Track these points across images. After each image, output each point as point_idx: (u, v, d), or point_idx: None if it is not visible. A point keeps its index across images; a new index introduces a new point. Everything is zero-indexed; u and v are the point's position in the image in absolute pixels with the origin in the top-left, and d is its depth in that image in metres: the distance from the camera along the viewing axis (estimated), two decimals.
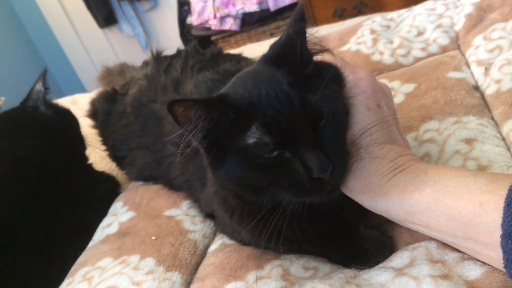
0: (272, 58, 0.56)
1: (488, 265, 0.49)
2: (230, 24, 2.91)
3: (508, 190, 0.44)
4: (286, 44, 0.55)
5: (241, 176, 0.53)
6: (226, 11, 2.86)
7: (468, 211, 0.47)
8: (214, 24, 2.94)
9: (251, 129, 0.50)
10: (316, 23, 2.67)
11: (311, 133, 0.50)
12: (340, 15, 2.62)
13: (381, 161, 0.55)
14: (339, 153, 0.52)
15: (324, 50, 0.59)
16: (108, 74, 1.39)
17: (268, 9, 2.78)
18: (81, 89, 3.91)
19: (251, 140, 0.50)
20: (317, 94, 0.51)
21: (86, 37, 3.85)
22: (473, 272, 0.49)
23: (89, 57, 3.95)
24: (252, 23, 2.88)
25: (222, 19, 2.91)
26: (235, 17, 2.88)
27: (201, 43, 1.07)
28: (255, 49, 1.41)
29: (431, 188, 0.50)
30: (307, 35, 0.55)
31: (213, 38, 3.03)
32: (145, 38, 3.65)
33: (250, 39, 2.94)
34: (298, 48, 0.54)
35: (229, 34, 2.97)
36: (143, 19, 3.66)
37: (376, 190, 0.54)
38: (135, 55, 3.57)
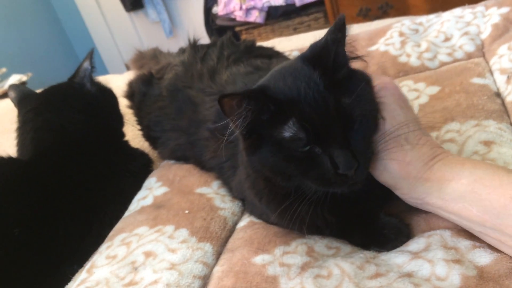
0: (310, 58, 0.60)
1: (497, 252, 0.55)
2: (255, 17, 2.95)
3: None
4: (323, 48, 0.59)
5: (274, 164, 0.59)
6: (252, 3, 2.90)
7: (499, 204, 0.51)
8: (239, 16, 2.98)
9: (288, 124, 0.56)
10: None
11: (342, 133, 0.56)
12: (365, 14, 2.65)
13: (422, 148, 0.60)
14: (365, 153, 0.58)
15: (357, 57, 0.63)
16: (140, 57, 1.44)
17: (293, 4, 2.81)
18: (103, 71, 3.99)
19: (287, 134, 0.56)
20: (350, 98, 0.56)
21: (112, 20, 3.91)
22: (483, 258, 0.55)
23: (113, 40, 4.01)
24: (276, 16, 2.92)
25: (248, 11, 2.95)
26: (260, 10, 2.92)
27: (223, 34, 1.12)
28: (285, 43, 1.46)
29: (467, 179, 0.55)
30: (344, 42, 0.59)
31: (237, 29, 3.07)
32: (169, 24, 3.70)
33: (273, 32, 2.98)
34: (332, 54, 0.58)
35: (253, 26, 3.02)
36: (169, 5, 3.70)
37: (418, 176, 0.59)
38: (159, 41, 3.63)
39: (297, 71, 0.59)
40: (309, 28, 2.86)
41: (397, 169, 0.60)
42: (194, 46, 1.12)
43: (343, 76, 0.59)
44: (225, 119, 0.58)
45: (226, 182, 0.89)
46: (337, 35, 0.57)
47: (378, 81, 0.65)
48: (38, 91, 1.10)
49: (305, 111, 0.55)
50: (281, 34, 2.92)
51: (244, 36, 3.07)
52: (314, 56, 0.60)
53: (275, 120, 0.57)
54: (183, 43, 1.16)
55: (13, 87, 1.09)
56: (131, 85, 1.17)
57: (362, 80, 0.60)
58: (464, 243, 0.58)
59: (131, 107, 1.17)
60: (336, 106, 0.56)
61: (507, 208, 0.50)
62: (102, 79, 1.76)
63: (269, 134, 0.58)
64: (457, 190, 0.55)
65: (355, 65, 0.63)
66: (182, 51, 1.18)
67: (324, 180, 0.57)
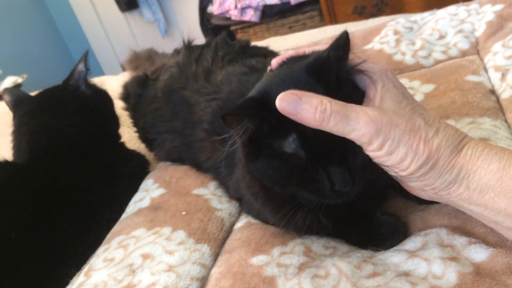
0: (312, 69, 0.57)
1: (493, 248, 0.55)
2: (250, 15, 2.96)
3: None
4: (325, 64, 0.56)
5: (272, 174, 0.59)
6: (247, 2, 2.90)
7: None
8: (234, 15, 2.98)
9: (288, 140, 0.55)
10: (335, 18, 2.70)
11: (341, 151, 0.55)
12: (360, 12, 2.65)
13: (447, 130, 0.53)
14: (361, 171, 0.57)
15: (361, 71, 0.59)
16: (136, 58, 1.44)
17: (288, 2, 2.82)
18: (99, 71, 3.98)
19: (286, 149, 0.56)
20: None
21: (107, 20, 3.90)
22: (479, 255, 0.55)
23: (109, 40, 4.01)
24: (272, 15, 2.92)
25: (243, 10, 2.96)
26: (255, 9, 2.92)
27: (218, 34, 1.12)
28: (280, 43, 1.46)
29: (495, 165, 0.49)
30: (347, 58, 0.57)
31: (232, 28, 3.07)
32: (164, 24, 3.70)
33: (269, 31, 2.99)
34: (335, 71, 0.55)
35: (248, 25, 3.02)
36: (164, 5, 3.71)
37: (446, 164, 0.51)
38: (154, 41, 3.63)
39: (300, 82, 0.57)
40: (304, 27, 2.86)
41: (426, 160, 0.51)
42: (188, 47, 1.12)
43: (346, 92, 0.57)
44: (228, 130, 0.58)
45: (223, 182, 0.89)
46: (339, 53, 0.55)
47: (376, 67, 0.60)
48: (33, 93, 1.10)
49: (307, 129, 0.54)
50: (276, 33, 2.92)
51: (239, 35, 3.07)
52: (316, 68, 0.57)
53: (276, 133, 0.56)
54: (178, 42, 1.16)
55: (7, 90, 1.09)
56: (126, 87, 1.17)
57: (363, 96, 0.58)
58: (459, 240, 0.59)
59: (126, 109, 1.17)
60: None
61: None
62: (97, 80, 1.76)
63: (268, 145, 0.57)
64: (484, 178, 0.49)
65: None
66: (176, 52, 1.18)
67: (320, 194, 0.58)
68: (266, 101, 0.56)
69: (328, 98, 0.52)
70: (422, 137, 0.52)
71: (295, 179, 0.58)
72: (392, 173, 0.57)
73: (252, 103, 0.57)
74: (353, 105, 0.52)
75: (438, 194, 0.55)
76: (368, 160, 0.56)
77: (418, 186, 0.56)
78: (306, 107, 0.51)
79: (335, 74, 0.56)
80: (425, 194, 0.58)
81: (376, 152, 0.53)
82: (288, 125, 0.55)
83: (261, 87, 0.60)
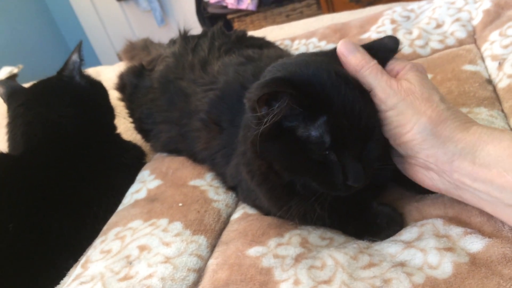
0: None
1: (489, 238, 0.55)
2: (247, 4, 2.92)
3: None
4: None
5: (287, 159, 0.59)
6: None
7: None
8: (231, 3, 2.95)
9: (317, 123, 0.54)
10: (333, 7, 2.68)
11: (360, 146, 0.56)
12: (357, 0, 2.63)
13: (460, 112, 0.57)
14: (372, 168, 0.58)
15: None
16: (131, 48, 1.44)
17: None
18: (96, 61, 3.95)
19: (312, 133, 0.55)
20: (375, 114, 0.57)
21: (103, 10, 3.86)
22: (475, 245, 0.55)
23: (105, 30, 3.97)
24: (269, 3, 2.89)
25: None
26: None
27: (215, 22, 1.11)
28: (276, 32, 1.45)
29: (508, 142, 0.50)
30: None
31: (229, 17, 3.04)
32: (161, 13, 3.66)
33: (266, 20, 2.96)
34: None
35: (245, 13, 2.99)
36: None
37: (452, 136, 0.54)
38: (151, 30, 3.60)
39: (337, 68, 0.58)
40: (301, 15, 2.84)
41: (428, 125, 0.55)
42: (184, 37, 1.11)
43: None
44: (251, 113, 0.57)
45: (220, 172, 0.88)
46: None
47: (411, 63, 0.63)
48: (27, 85, 1.09)
49: (339, 114, 0.54)
50: (273, 21, 2.89)
51: (236, 24, 3.04)
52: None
53: (305, 113, 0.55)
54: (175, 31, 1.15)
55: (1, 82, 1.08)
56: (122, 77, 1.16)
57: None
58: (455, 230, 0.59)
59: (122, 99, 1.16)
60: (367, 119, 0.56)
61: None
62: (93, 70, 1.76)
63: (290, 128, 0.56)
64: (493, 154, 0.50)
65: None
66: (172, 42, 1.17)
67: (330, 186, 0.58)
68: (296, 81, 0.55)
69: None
70: (433, 106, 0.56)
71: (311, 167, 0.57)
72: (396, 145, 0.60)
73: (286, 82, 0.54)
74: (386, 72, 0.60)
75: (441, 168, 0.56)
76: (380, 154, 0.58)
77: (421, 162, 0.58)
78: (358, 55, 0.60)
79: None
80: (428, 177, 0.59)
81: (387, 111, 0.58)
82: (321, 107, 0.54)
83: (285, 69, 0.60)
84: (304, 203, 0.63)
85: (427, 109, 0.55)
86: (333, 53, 0.63)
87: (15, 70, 2.63)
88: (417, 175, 0.62)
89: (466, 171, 0.53)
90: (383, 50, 0.61)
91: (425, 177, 0.60)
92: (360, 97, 0.56)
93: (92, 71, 1.71)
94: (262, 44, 1.11)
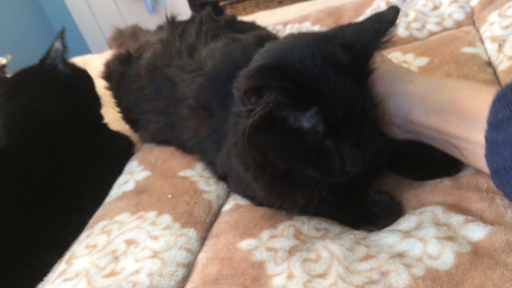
0: (346, 43, 0.55)
1: (491, 226, 0.53)
2: None
3: (504, 86, 0.49)
4: (363, 36, 0.55)
5: (280, 149, 0.56)
6: None
7: (475, 110, 0.52)
8: None
9: (308, 113, 0.52)
10: None
11: (356, 131, 0.53)
12: None
13: (401, 68, 0.64)
14: (369, 153, 0.56)
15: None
16: (120, 35, 1.39)
17: None
18: (86, 50, 3.89)
19: (304, 123, 0.52)
20: (372, 99, 0.56)
21: None
22: (477, 233, 0.53)
23: (95, 18, 3.90)
24: None
25: None
26: None
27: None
28: (268, 17, 1.41)
29: (449, 91, 0.56)
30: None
31: (221, 3, 2.99)
32: (151, 1, 3.60)
33: (258, 6, 2.91)
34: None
35: (237, 0, 2.94)
36: None
37: (403, 91, 0.60)
38: (141, 19, 3.53)
39: (326, 51, 0.54)
40: (294, 1, 2.79)
41: (381, 87, 0.61)
42: (172, 22, 1.07)
43: (370, 69, 0.57)
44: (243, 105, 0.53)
45: (209, 161, 0.85)
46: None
47: None
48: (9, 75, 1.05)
49: (331, 103, 0.51)
50: (266, 8, 2.84)
51: (228, 11, 2.99)
52: (352, 42, 0.55)
53: (294, 105, 0.52)
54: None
55: None
56: (108, 65, 1.12)
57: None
58: (456, 219, 0.56)
59: (109, 88, 1.12)
60: (362, 105, 0.53)
61: (482, 112, 0.50)
62: (81, 59, 1.71)
63: (282, 117, 0.53)
64: (438, 101, 0.56)
65: None
66: (160, 28, 1.13)
67: (328, 173, 0.56)
68: (289, 70, 0.52)
69: None
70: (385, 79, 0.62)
71: (306, 155, 0.55)
72: None
73: (273, 73, 0.52)
74: None
75: (404, 125, 0.62)
76: (376, 138, 0.57)
77: (392, 120, 0.63)
78: None
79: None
80: (399, 126, 0.63)
81: None
82: (310, 98, 0.51)
83: (281, 53, 0.56)
84: (307, 192, 0.60)
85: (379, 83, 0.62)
86: (326, 33, 0.60)
87: (3, 61, 2.57)
88: (393, 129, 0.65)
89: (421, 121, 0.59)
90: (380, 22, 0.56)
91: (396, 130, 0.65)
92: (353, 81, 0.53)
93: (79, 60, 1.67)
94: (253, 27, 1.07)
